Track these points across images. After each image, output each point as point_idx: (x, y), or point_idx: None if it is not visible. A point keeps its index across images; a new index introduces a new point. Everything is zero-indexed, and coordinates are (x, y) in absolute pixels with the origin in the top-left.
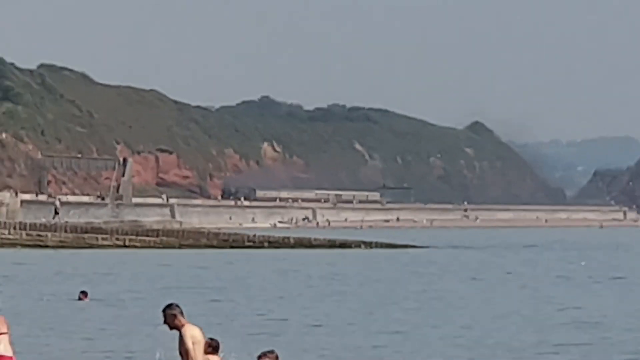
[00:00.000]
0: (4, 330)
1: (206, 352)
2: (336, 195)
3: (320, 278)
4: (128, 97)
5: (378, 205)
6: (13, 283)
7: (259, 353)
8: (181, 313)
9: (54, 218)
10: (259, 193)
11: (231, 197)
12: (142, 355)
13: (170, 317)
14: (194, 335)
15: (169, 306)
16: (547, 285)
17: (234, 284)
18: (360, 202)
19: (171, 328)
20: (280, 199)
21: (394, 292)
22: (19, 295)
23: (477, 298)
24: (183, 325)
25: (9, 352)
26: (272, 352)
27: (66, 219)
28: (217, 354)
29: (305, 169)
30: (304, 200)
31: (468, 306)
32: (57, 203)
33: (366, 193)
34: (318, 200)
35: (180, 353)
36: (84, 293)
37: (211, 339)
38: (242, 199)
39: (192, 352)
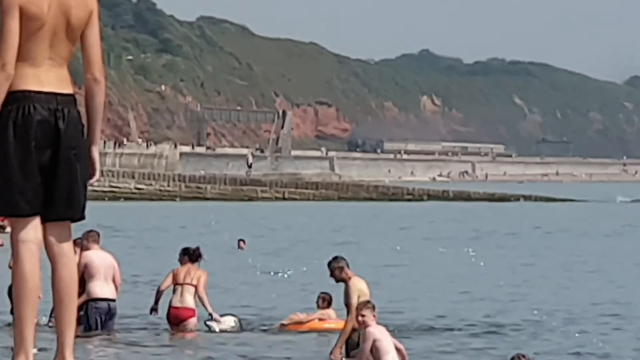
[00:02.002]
0: (186, 281)
1: (320, 307)
2: (462, 147)
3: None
4: (288, 50)
5: (537, 159)
6: (176, 234)
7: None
8: (347, 265)
9: (247, 173)
10: (387, 145)
11: (357, 149)
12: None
13: (337, 269)
14: (360, 289)
15: (335, 259)
16: None
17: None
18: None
19: (337, 281)
20: (406, 152)
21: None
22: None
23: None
24: (350, 278)
25: (182, 303)
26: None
27: (225, 171)
28: (330, 307)
29: (464, 122)
30: (463, 154)
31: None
32: (250, 157)
33: (491, 145)
34: (478, 154)
35: (346, 305)
36: (243, 241)
37: (324, 293)
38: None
39: (354, 306)
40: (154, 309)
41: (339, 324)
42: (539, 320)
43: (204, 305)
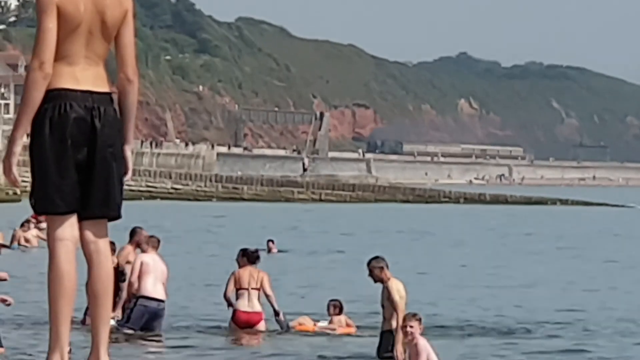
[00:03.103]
0: (251, 285)
1: (332, 314)
2: (482, 150)
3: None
4: (326, 52)
5: (574, 163)
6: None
7: None
8: (387, 266)
9: (302, 175)
10: (406, 147)
11: (377, 151)
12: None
13: (377, 269)
14: (399, 290)
15: (375, 259)
16: None
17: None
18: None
19: (375, 281)
20: (428, 154)
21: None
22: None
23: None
24: (389, 279)
25: (251, 308)
26: None
27: (262, 172)
28: (341, 314)
29: (502, 126)
30: (500, 157)
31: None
32: (306, 160)
33: (509, 148)
34: (515, 158)
35: (382, 306)
36: (272, 241)
37: (335, 300)
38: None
39: (399, 305)
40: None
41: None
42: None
43: (271, 303)
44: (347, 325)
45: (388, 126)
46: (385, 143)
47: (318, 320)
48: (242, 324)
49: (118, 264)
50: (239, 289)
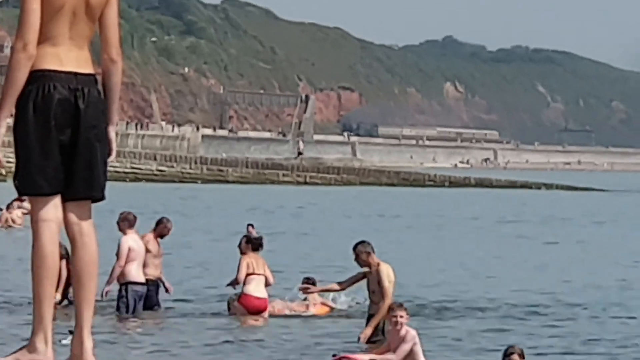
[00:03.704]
0: (259, 271)
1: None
2: (457, 133)
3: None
4: (311, 34)
5: (559, 148)
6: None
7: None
8: (373, 251)
9: (296, 158)
10: (382, 130)
11: (352, 133)
12: None
13: (364, 254)
14: (389, 274)
15: (362, 243)
16: None
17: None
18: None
19: (362, 266)
20: (403, 136)
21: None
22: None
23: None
24: (378, 264)
25: (261, 294)
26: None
27: (247, 154)
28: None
29: (487, 109)
30: (486, 141)
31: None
32: (301, 144)
33: (486, 132)
34: (500, 142)
35: (370, 290)
36: (251, 225)
37: (308, 278)
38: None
39: (388, 290)
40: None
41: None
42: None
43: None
44: (322, 304)
45: (372, 108)
46: (360, 125)
47: (293, 301)
48: (252, 309)
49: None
50: (249, 274)
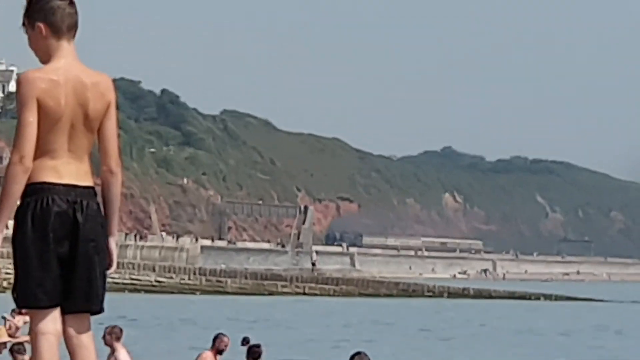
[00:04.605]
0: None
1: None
2: (441, 243)
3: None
4: (310, 145)
5: (558, 258)
6: (194, 327)
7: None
8: None
9: (312, 270)
10: (366, 239)
11: (335, 243)
12: None
13: None
14: None
15: (358, 354)
16: None
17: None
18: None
19: None
20: (387, 247)
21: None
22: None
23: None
24: None
25: None
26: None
27: (246, 265)
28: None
29: (486, 220)
30: (486, 252)
31: None
32: (314, 255)
33: (469, 241)
34: (499, 252)
35: None
36: (246, 340)
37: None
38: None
39: None
40: None
41: None
42: None
43: None
44: None
45: (371, 219)
46: (344, 236)
47: None
48: None
49: None
50: None
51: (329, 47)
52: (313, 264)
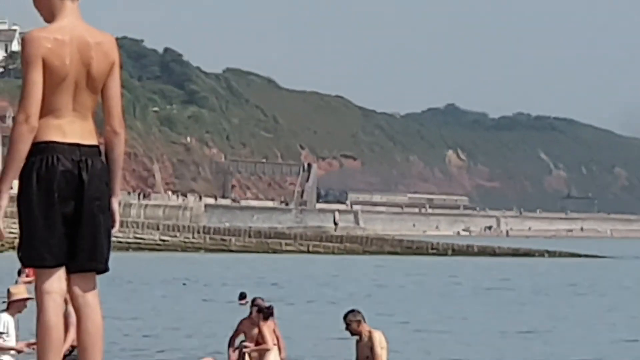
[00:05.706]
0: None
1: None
2: (428, 199)
3: None
4: (313, 103)
5: (562, 215)
6: (191, 285)
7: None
8: (364, 319)
9: (335, 230)
10: (352, 196)
11: (320, 200)
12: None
13: (354, 323)
14: (381, 341)
15: (352, 312)
16: None
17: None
18: (489, 209)
19: (353, 334)
20: (372, 203)
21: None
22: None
23: None
24: (369, 332)
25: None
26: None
27: (250, 223)
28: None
29: (490, 177)
30: (490, 208)
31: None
32: (337, 215)
33: (455, 197)
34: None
35: (362, 358)
36: (242, 295)
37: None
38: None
39: (382, 357)
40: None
41: None
42: None
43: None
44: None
45: (371, 176)
46: (329, 192)
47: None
48: None
49: None
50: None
51: (332, 4)
52: (335, 224)
